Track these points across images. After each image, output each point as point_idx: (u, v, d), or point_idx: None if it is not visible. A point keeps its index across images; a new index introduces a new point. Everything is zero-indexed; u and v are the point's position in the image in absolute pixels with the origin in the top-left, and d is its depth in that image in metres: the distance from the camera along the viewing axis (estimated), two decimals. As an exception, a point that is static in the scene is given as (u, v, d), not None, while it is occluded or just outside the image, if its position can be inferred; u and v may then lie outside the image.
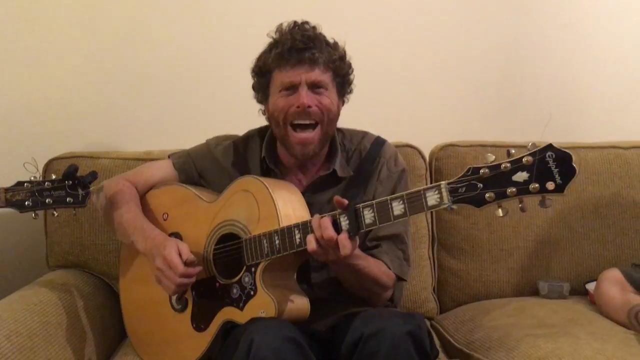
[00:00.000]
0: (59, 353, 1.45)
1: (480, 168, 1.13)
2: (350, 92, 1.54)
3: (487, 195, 1.12)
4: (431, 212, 1.91)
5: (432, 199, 1.17)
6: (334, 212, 1.28)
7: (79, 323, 1.59)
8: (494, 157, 1.12)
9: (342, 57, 1.48)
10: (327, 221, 1.26)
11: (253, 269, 1.37)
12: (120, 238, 1.55)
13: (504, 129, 2.12)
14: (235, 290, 1.40)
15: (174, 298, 1.51)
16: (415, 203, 1.19)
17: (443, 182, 1.17)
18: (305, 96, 1.41)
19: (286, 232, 1.32)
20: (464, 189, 1.14)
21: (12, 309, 1.47)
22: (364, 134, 1.60)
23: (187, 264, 1.37)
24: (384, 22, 2.10)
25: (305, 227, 1.31)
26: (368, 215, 1.24)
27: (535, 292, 1.88)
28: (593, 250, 1.91)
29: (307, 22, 1.49)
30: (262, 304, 1.34)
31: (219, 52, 2.04)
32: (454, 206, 1.15)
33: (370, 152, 1.56)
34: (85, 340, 1.57)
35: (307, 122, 1.43)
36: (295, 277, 1.42)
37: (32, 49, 2.00)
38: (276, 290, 1.35)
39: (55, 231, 1.83)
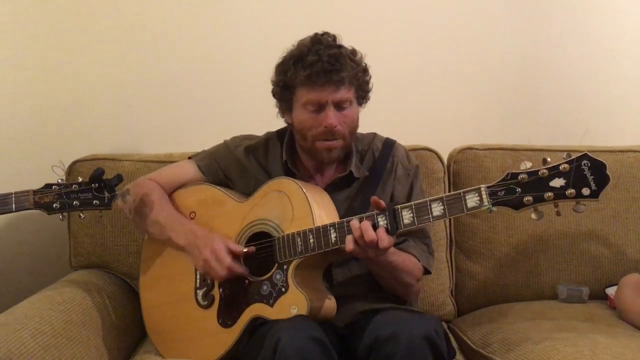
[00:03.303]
0: (82, 351, 1.48)
1: (518, 173, 1.22)
2: (368, 98, 1.57)
3: (525, 198, 1.22)
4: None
5: (471, 200, 1.26)
6: (370, 213, 1.34)
7: (101, 322, 1.62)
8: (530, 164, 1.22)
9: (364, 69, 1.52)
10: (366, 223, 1.32)
11: (285, 267, 1.42)
12: (155, 236, 1.59)
13: (521, 132, 2.11)
14: (265, 287, 1.43)
15: (200, 294, 1.54)
16: (454, 204, 1.27)
17: (482, 186, 1.25)
18: (332, 117, 1.46)
19: (321, 231, 1.38)
20: (502, 192, 1.23)
21: (37, 307, 1.51)
22: (374, 135, 1.66)
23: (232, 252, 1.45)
24: (401, 24, 2.11)
25: (341, 227, 1.36)
26: (406, 216, 1.31)
27: (554, 296, 1.88)
28: (613, 254, 1.89)
29: (327, 35, 1.50)
30: (293, 301, 1.38)
31: (238, 54, 2.06)
32: (494, 208, 1.24)
33: (382, 152, 1.61)
34: (107, 339, 1.60)
35: (333, 139, 1.49)
36: (321, 276, 1.47)
37: (57, 54, 2.03)
38: (307, 288, 1.39)
39: (78, 232, 1.86)
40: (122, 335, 1.68)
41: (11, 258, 2.02)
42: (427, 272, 1.56)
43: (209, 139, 1.86)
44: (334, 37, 1.51)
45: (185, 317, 1.55)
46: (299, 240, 1.40)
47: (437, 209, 1.29)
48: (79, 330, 1.52)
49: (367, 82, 1.53)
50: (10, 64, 2.01)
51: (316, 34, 1.50)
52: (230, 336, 1.46)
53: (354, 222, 1.33)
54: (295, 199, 1.45)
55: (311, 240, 1.39)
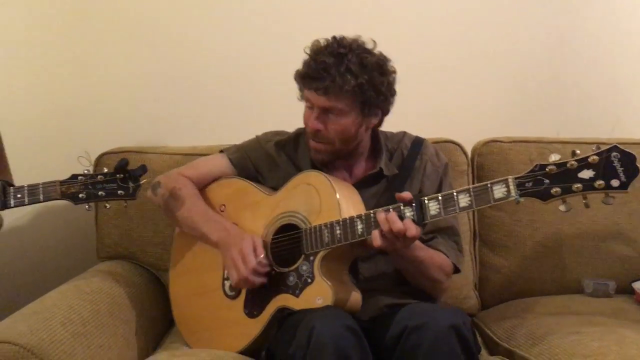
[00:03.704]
0: (110, 340, 1.51)
1: (547, 165, 1.22)
2: (382, 101, 1.51)
3: (553, 190, 1.22)
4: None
5: (498, 191, 1.26)
6: (396, 205, 1.34)
7: (128, 311, 1.64)
8: (559, 156, 1.22)
9: (370, 80, 1.46)
10: (393, 214, 1.32)
11: (311, 258, 1.43)
12: (188, 230, 1.62)
13: (549, 124, 2.09)
14: (291, 278, 1.45)
15: (227, 285, 1.56)
16: (481, 195, 1.27)
17: (510, 177, 1.25)
18: (313, 120, 1.49)
19: (348, 223, 1.39)
20: (530, 183, 1.23)
21: (66, 297, 1.54)
22: (403, 134, 1.67)
23: (259, 263, 1.45)
24: (424, 15, 2.10)
25: (367, 219, 1.37)
26: (433, 207, 1.32)
27: (579, 290, 1.86)
28: (640, 248, 1.87)
29: (338, 41, 1.48)
30: (319, 292, 1.39)
31: (263, 49, 2.07)
32: (521, 199, 1.24)
33: (411, 151, 1.62)
34: (134, 328, 1.62)
35: (318, 141, 1.51)
36: (348, 269, 1.48)
37: (85, 49, 2.06)
38: (332, 280, 1.41)
39: (105, 223, 1.89)
40: (148, 324, 1.70)
41: (39, 248, 2.06)
42: (457, 270, 1.56)
43: (233, 132, 1.88)
44: (344, 44, 1.47)
45: (212, 307, 1.58)
46: (325, 231, 1.41)
47: (463, 200, 1.29)
48: (107, 319, 1.54)
49: (376, 97, 1.48)
50: (39, 59, 2.04)
51: (332, 38, 1.49)
52: (256, 326, 1.48)
53: (381, 214, 1.34)
54: (323, 192, 1.46)
55: (338, 232, 1.40)
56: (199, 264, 1.63)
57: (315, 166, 1.58)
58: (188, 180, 1.65)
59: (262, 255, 1.46)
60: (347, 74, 1.44)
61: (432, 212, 1.32)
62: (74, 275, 1.74)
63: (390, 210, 1.34)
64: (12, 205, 1.51)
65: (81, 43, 2.05)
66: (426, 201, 1.32)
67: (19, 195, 1.50)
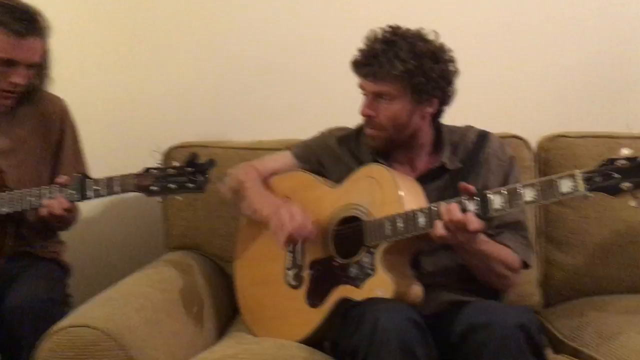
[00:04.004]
0: (180, 327, 1.57)
1: (617, 159, 1.20)
2: (434, 89, 1.51)
3: (623, 185, 1.19)
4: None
5: (565, 186, 1.23)
6: (458, 198, 1.34)
7: (196, 300, 1.70)
8: (631, 150, 1.20)
9: (419, 66, 1.47)
10: (454, 206, 1.32)
11: (373, 250, 1.45)
12: (246, 212, 1.67)
13: (618, 118, 2.01)
14: (353, 269, 1.47)
15: (290, 275, 1.59)
16: (547, 190, 1.25)
17: (577, 171, 1.22)
18: (364, 105, 1.52)
19: (410, 216, 1.40)
20: (599, 178, 1.21)
21: (139, 285, 1.61)
22: (468, 128, 1.65)
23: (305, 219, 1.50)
24: (490, 8, 2.07)
25: (429, 212, 1.38)
26: (497, 201, 1.30)
27: (650, 290, 1.80)
28: None
29: (396, 28, 1.51)
30: (380, 283, 1.41)
31: (329, 43, 2.07)
32: (590, 194, 1.21)
33: (476, 145, 1.60)
34: (202, 316, 1.68)
35: (371, 128, 1.55)
36: (409, 263, 1.49)
37: (153, 45, 2.13)
38: (394, 272, 1.42)
39: (173, 215, 1.95)
40: (214, 313, 1.75)
41: (111, 238, 2.15)
42: (525, 265, 1.54)
43: (297, 126, 1.92)
44: (397, 32, 1.50)
45: (275, 297, 1.62)
46: (387, 224, 1.42)
47: (529, 194, 1.27)
48: (176, 306, 1.60)
49: (426, 84, 1.49)
50: (110, 55, 2.12)
51: (387, 26, 1.52)
52: (318, 316, 1.51)
53: (443, 206, 1.34)
54: (386, 184, 1.48)
55: (399, 225, 1.41)
56: (262, 254, 1.68)
57: (377, 160, 1.59)
58: (254, 169, 1.71)
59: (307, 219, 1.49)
60: (395, 60, 1.46)
61: (496, 206, 1.31)
62: (143, 264, 1.81)
63: (451, 202, 1.34)
64: (90, 197, 1.59)
65: (149, 39, 2.12)
66: (489, 195, 1.31)
67: (96, 188, 1.59)
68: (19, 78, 1.62)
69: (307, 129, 1.80)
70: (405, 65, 1.46)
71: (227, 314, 1.84)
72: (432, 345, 1.30)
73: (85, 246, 2.06)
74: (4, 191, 1.63)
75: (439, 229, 1.34)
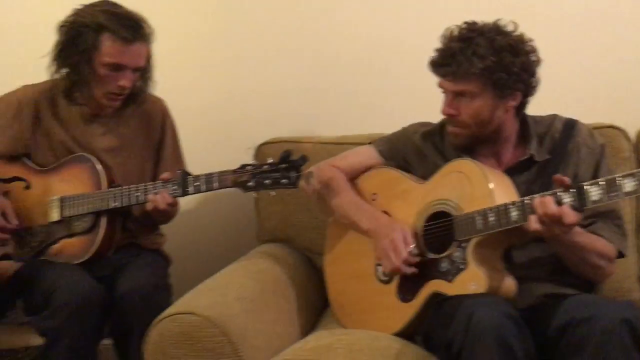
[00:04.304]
0: (276, 317, 1.63)
1: None
2: (515, 82, 1.49)
3: None
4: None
5: None
6: (553, 191, 1.32)
7: (288, 291, 1.76)
8: None
9: (499, 61, 1.45)
10: (549, 199, 1.30)
11: (464, 245, 1.45)
12: (340, 219, 1.70)
13: None
14: (444, 264, 1.48)
15: (379, 270, 1.62)
16: None
17: None
18: (444, 104, 1.52)
19: (502, 210, 1.39)
20: None
21: (237, 275, 1.69)
22: (554, 117, 1.61)
23: (409, 253, 1.50)
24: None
25: (522, 205, 1.36)
26: (595, 193, 1.27)
27: None
28: None
29: (472, 24, 1.50)
30: (473, 278, 1.41)
31: (413, 39, 2.07)
32: None
33: (564, 134, 1.56)
34: (295, 307, 1.74)
35: (453, 126, 1.55)
36: (501, 257, 1.48)
37: (242, 44, 2.19)
38: (486, 267, 1.42)
39: (264, 209, 2.02)
40: (306, 304, 1.80)
41: (205, 231, 2.25)
42: (620, 255, 1.50)
43: (381, 121, 1.94)
44: (474, 28, 1.48)
45: (366, 291, 1.64)
46: (478, 218, 1.42)
47: (629, 185, 1.23)
48: (271, 297, 1.67)
49: (507, 78, 1.46)
50: (203, 58, 2.21)
51: (463, 23, 1.51)
52: (409, 310, 1.53)
53: (537, 199, 1.32)
54: (475, 179, 1.47)
55: (491, 219, 1.40)
56: (352, 250, 1.71)
57: (461, 155, 1.58)
58: (339, 171, 1.72)
59: (412, 246, 1.50)
60: (473, 57, 1.45)
61: (594, 198, 1.27)
62: (236, 256, 1.89)
63: (546, 195, 1.32)
64: (191, 192, 1.69)
65: (240, 39, 2.19)
66: (586, 187, 1.28)
67: (196, 184, 1.67)
68: (126, 81, 1.73)
69: (390, 124, 1.81)
70: (485, 62, 1.45)
71: (318, 306, 1.88)
72: (530, 339, 1.29)
73: (183, 239, 2.17)
74: (112, 187, 1.75)
75: (533, 222, 1.32)
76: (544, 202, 1.30)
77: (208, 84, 2.21)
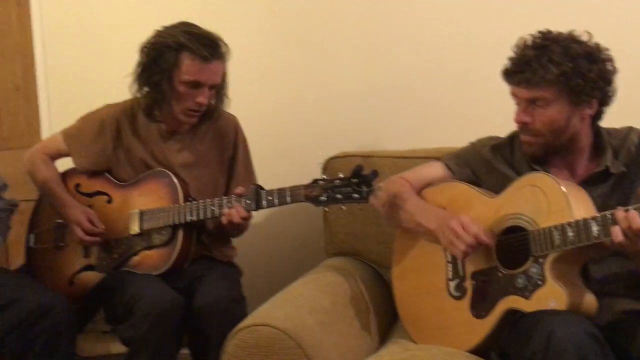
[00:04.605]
0: (347, 330, 1.65)
1: None
2: (592, 90, 1.47)
3: None
4: None
5: None
6: (637, 205, 1.29)
7: (359, 304, 1.77)
8: None
9: (575, 67, 1.44)
10: (634, 214, 1.28)
11: (541, 260, 1.43)
12: (407, 225, 1.69)
13: None
14: (520, 280, 1.46)
15: (452, 285, 1.61)
16: None
17: None
18: (519, 114, 1.51)
19: (582, 225, 1.36)
20: None
21: (308, 288, 1.71)
22: (629, 130, 1.58)
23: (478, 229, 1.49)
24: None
25: (604, 220, 1.33)
26: None
27: None
28: None
29: (546, 33, 1.49)
30: (552, 294, 1.38)
31: (479, 53, 2.08)
32: None
33: None
34: (365, 320, 1.74)
35: (526, 134, 1.53)
36: (579, 272, 1.45)
37: (309, 61, 2.25)
38: (565, 283, 1.39)
39: (333, 222, 2.04)
40: (376, 318, 1.81)
41: (274, 243, 2.30)
42: None
43: (449, 135, 1.94)
44: (548, 37, 1.48)
45: (437, 307, 1.63)
46: (556, 233, 1.40)
47: None
48: (343, 310, 1.69)
49: (584, 85, 1.45)
50: (272, 75, 2.27)
51: (537, 32, 1.50)
52: (484, 327, 1.51)
53: (620, 213, 1.29)
54: (551, 193, 1.45)
55: (570, 234, 1.37)
56: (421, 264, 1.70)
57: (533, 167, 1.57)
58: (406, 182, 1.73)
59: (474, 227, 1.49)
60: (549, 64, 1.44)
61: None
62: (304, 268, 1.92)
63: (630, 209, 1.29)
64: (264, 206, 1.73)
65: (307, 54, 2.24)
66: None
67: (270, 198, 1.72)
68: (203, 98, 1.80)
69: (458, 138, 1.81)
70: (561, 68, 1.44)
71: (387, 320, 1.88)
72: (612, 358, 1.26)
73: (251, 250, 2.22)
74: (189, 201, 1.82)
75: (618, 234, 1.29)
76: (629, 217, 1.27)
77: (276, 99, 2.27)
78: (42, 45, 2.42)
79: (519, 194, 1.53)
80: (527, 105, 1.50)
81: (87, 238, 1.85)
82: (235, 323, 1.51)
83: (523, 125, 1.53)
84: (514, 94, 1.53)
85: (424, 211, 1.64)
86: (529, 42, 1.50)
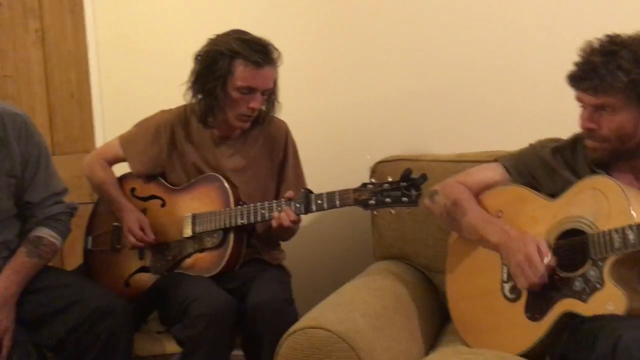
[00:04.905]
0: (398, 334, 1.64)
1: None
2: None
3: None
4: None
5: None
6: None
7: (409, 308, 1.77)
8: None
9: None
10: None
11: (600, 263, 1.41)
12: (467, 235, 1.69)
13: None
14: (577, 283, 1.44)
15: (506, 288, 1.60)
16: None
17: None
18: (582, 118, 1.51)
19: None
20: None
21: (359, 292, 1.71)
22: None
23: (546, 266, 1.47)
24: None
25: None
26: None
27: None
28: None
29: (614, 37, 1.47)
30: (610, 298, 1.37)
31: (532, 53, 2.05)
32: None
33: None
34: (415, 324, 1.74)
35: (592, 140, 1.52)
36: (639, 277, 1.43)
37: (355, 66, 2.25)
38: (624, 286, 1.37)
39: (381, 226, 2.05)
40: (425, 322, 1.80)
41: (322, 246, 2.31)
42: None
43: (499, 139, 1.93)
44: (617, 42, 1.45)
45: (491, 309, 1.62)
46: (616, 236, 1.38)
47: None
48: (393, 314, 1.68)
49: None
50: (319, 81, 2.29)
51: (605, 36, 1.48)
52: (539, 330, 1.50)
53: None
54: (612, 196, 1.43)
55: (631, 237, 1.36)
56: (475, 266, 1.69)
57: (594, 170, 1.55)
58: (465, 188, 1.71)
59: (548, 258, 1.47)
60: (617, 71, 1.42)
61: None
62: (353, 272, 1.92)
63: None
64: (313, 210, 1.75)
65: (355, 57, 2.24)
66: None
67: (319, 202, 1.73)
68: (255, 103, 1.83)
69: (509, 141, 1.80)
70: (630, 76, 1.42)
71: (437, 324, 1.88)
72: None
73: (299, 253, 2.24)
74: (239, 205, 1.85)
75: None
76: None
77: (325, 104, 2.28)
78: (96, 53, 2.51)
79: (580, 196, 1.51)
80: (593, 111, 1.49)
81: (137, 244, 1.89)
82: (287, 324, 1.52)
83: (589, 131, 1.51)
84: (579, 99, 1.51)
85: (488, 224, 1.62)
86: (596, 46, 1.48)
